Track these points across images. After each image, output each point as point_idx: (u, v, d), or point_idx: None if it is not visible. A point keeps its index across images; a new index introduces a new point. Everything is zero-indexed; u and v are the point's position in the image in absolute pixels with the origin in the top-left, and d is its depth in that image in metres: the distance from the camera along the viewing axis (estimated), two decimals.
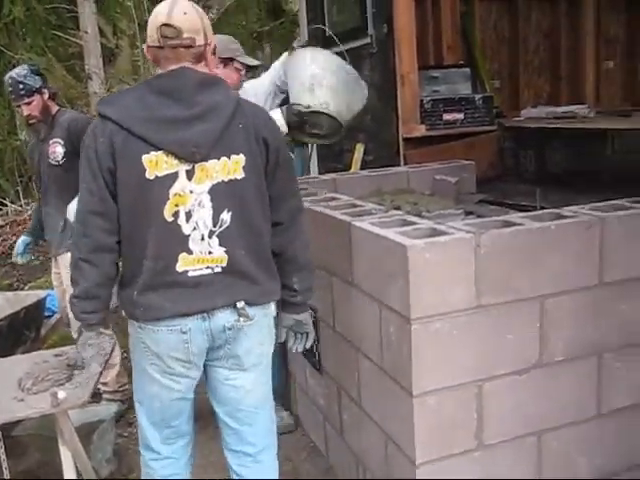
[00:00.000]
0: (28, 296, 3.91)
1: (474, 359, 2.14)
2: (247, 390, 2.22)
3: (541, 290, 2.18)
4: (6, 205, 9.15)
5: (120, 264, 2.15)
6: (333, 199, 2.95)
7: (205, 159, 1.99)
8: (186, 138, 1.97)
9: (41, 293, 3.92)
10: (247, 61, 3.20)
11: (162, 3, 2.05)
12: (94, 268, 2.03)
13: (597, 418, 2.34)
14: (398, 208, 2.95)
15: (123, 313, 2.16)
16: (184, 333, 2.06)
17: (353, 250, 2.43)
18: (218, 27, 11.22)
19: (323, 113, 3.01)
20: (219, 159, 2.01)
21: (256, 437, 2.28)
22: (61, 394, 2.36)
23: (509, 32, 5.89)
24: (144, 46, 2.13)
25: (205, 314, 2.06)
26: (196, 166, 1.99)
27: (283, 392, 3.67)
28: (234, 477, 2.34)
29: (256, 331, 2.16)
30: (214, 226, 2.03)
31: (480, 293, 2.10)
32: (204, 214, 2.01)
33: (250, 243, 2.08)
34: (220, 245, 2.04)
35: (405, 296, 2.04)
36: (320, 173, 5.32)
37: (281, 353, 3.60)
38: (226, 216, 2.03)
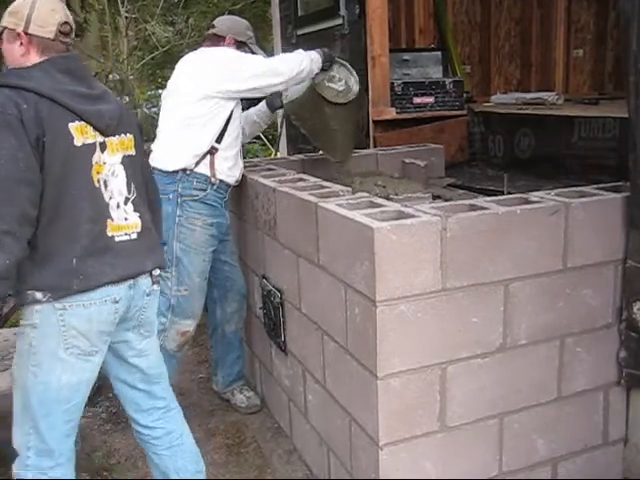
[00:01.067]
0: None
1: (438, 342, 2.15)
2: (156, 353, 2.37)
3: (506, 274, 2.19)
4: None
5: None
6: (300, 180, 2.93)
7: (113, 134, 2.15)
8: (102, 112, 2.11)
9: None
10: (255, 49, 3.35)
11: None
12: (17, 242, 1.91)
13: (557, 401, 2.37)
14: (366, 190, 2.95)
15: (32, 298, 2.01)
16: (116, 302, 2.09)
17: (319, 231, 2.41)
18: (190, 5, 11.06)
19: None
20: (121, 135, 2.18)
21: (165, 391, 2.41)
22: None
23: (481, 17, 5.90)
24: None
25: (132, 281, 2.13)
26: (106, 139, 2.12)
27: (249, 373, 3.67)
28: (147, 434, 2.40)
29: (157, 295, 2.32)
30: (129, 193, 2.17)
31: (445, 276, 2.10)
32: (119, 183, 2.15)
33: (147, 212, 2.25)
34: (134, 211, 2.17)
35: (371, 278, 2.03)
36: (288, 154, 5.29)
37: (246, 334, 3.59)
38: (135, 185, 2.20)
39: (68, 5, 8.82)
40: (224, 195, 3.16)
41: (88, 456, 3.14)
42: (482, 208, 2.21)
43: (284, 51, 5.80)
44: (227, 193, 3.18)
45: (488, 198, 2.42)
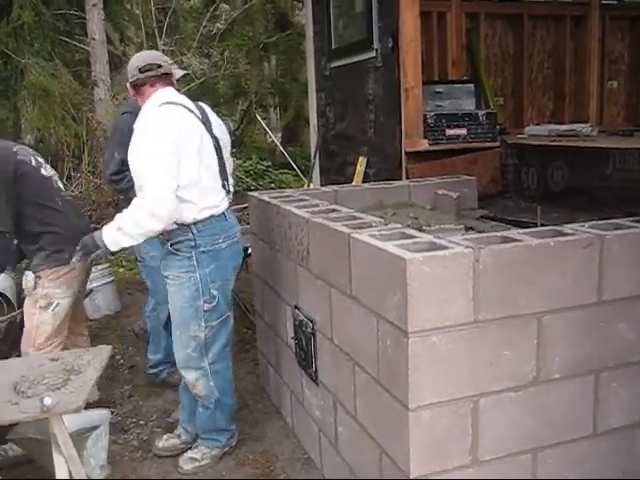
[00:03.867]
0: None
1: (470, 374, 2.13)
2: None
3: (539, 307, 2.18)
4: None
5: None
6: (333, 211, 2.96)
7: None
8: None
9: None
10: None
11: None
12: None
13: (592, 437, 2.33)
14: (398, 222, 2.96)
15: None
16: None
17: (352, 262, 2.43)
18: (225, 38, 11.29)
19: None
20: None
21: None
22: (47, 400, 2.36)
23: (514, 49, 5.94)
24: None
25: None
26: None
27: (278, 402, 3.67)
28: None
29: None
30: None
31: (478, 308, 2.10)
32: None
33: None
34: None
35: (403, 309, 2.04)
36: (321, 185, 5.34)
37: (276, 363, 3.60)
38: None
39: (108, 38, 9.03)
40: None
41: None
42: (515, 240, 2.20)
43: (318, 83, 5.89)
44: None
45: (521, 230, 2.41)
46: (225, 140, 3.23)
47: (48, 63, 8.70)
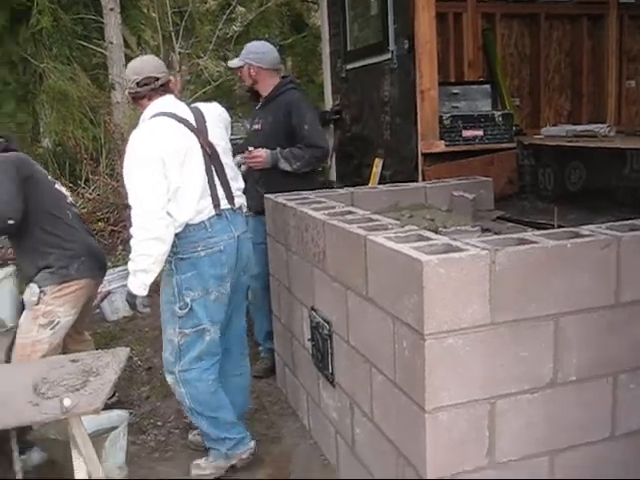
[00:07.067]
0: None
1: (487, 376, 2.13)
2: None
3: (556, 309, 2.17)
4: None
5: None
6: (350, 213, 2.97)
7: None
8: None
9: None
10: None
11: None
12: None
13: (611, 440, 2.32)
14: (414, 224, 2.96)
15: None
16: None
17: (368, 264, 2.44)
18: (241, 40, 11.30)
19: None
20: None
21: None
22: (66, 401, 2.38)
23: (530, 50, 5.91)
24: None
25: None
26: None
27: (295, 404, 3.68)
28: None
29: None
30: None
31: (494, 310, 2.10)
32: None
33: None
34: None
35: (419, 311, 2.04)
36: (338, 187, 5.34)
37: (293, 365, 3.61)
38: None
39: (125, 42, 9.08)
40: None
41: None
42: (531, 242, 2.20)
43: (334, 85, 5.89)
44: None
45: (537, 232, 2.41)
46: (225, 145, 3.18)
47: (66, 67, 8.76)
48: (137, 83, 3.06)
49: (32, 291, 3.38)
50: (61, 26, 8.59)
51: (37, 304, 3.37)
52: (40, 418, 2.42)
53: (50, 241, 3.39)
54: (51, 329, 3.37)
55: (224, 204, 3.08)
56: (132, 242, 2.90)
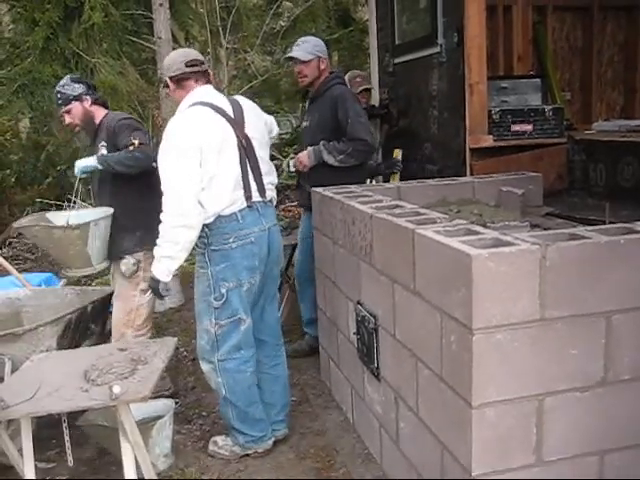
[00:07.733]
0: (95, 291, 4.03)
1: (535, 373, 2.10)
2: None
3: (608, 306, 2.13)
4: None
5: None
6: (397, 207, 2.95)
7: None
8: None
9: (107, 289, 4.03)
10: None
11: None
12: None
13: None
14: (462, 219, 2.94)
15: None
16: None
17: (416, 258, 2.42)
18: (288, 35, 11.34)
19: None
20: None
21: None
22: (116, 388, 2.43)
23: (582, 43, 5.79)
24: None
25: None
26: None
27: (339, 397, 3.68)
28: None
29: None
30: None
31: (544, 306, 2.06)
32: None
33: None
34: None
35: (467, 306, 2.02)
36: (384, 181, 5.32)
37: (338, 359, 3.62)
38: None
39: (173, 37, 9.16)
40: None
41: (182, 471, 3.24)
42: (583, 237, 2.16)
43: (382, 79, 5.87)
44: None
45: (589, 227, 2.36)
46: (261, 139, 3.20)
47: (116, 62, 8.89)
48: (185, 63, 3.10)
49: (129, 262, 3.65)
50: (112, 22, 8.73)
51: (137, 272, 3.66)
52: (89, 404, 2.47)
53: (146, 206, 3.47)
54: (150, 294, 3.49)
55: (256, 196, 3.12)
56: (161, 227, 2.94)
